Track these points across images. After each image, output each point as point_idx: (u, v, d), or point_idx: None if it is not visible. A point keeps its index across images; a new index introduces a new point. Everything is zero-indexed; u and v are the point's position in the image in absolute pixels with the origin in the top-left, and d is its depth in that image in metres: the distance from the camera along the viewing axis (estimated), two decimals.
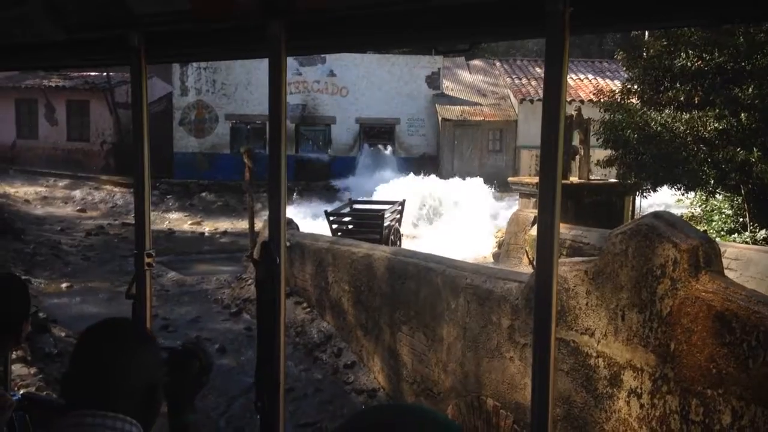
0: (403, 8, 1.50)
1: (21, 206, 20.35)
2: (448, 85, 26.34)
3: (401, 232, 15.55)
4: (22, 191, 22.23)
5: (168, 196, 22.13)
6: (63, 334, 8.91)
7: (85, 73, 26.02)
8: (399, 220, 15.57)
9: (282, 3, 1.68)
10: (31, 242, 15.58)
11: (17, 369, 6.15)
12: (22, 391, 2.17)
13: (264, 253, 1.86)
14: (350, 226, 14.45)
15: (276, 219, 1.89)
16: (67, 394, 1.48)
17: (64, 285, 12.69)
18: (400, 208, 15.72)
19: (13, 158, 25.69)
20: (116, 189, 22.87)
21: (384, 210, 15.12)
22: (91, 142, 26.31)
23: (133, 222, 2.19)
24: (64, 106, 26.58)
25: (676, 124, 10.45)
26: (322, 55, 24.78)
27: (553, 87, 1.42)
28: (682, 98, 10.85)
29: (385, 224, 14.43)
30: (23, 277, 10.40)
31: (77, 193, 22.61)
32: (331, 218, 14.35)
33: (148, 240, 2.15)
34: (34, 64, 2.54)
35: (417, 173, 23.41)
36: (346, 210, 15.75)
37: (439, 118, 24.97)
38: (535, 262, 8.69)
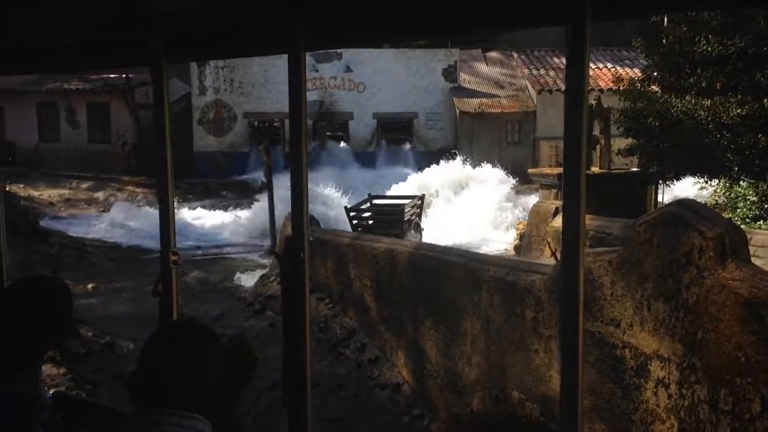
0: (418, 1, 1.50)
1: (45, 209, 20.61)
2: (465, 78, 26.21)
3: (422, 226, 15.53)
4: (46, 194, 22.51)
5: (189, 195, 22.29)
6: (90, 335, 9.01)
7: (104, 75, 26.24)
8: (419, 214, 15.55)
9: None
10: (56, 244, 15.78)
11: (47, 369, 6.24)
12: (52, 391, 2.20)
13: (288, 249, 1.87)
14: (370, 222, 14.46)
15: (299, 214, 1.89)
16: (137, 392, 1.51)
17: (89, 286, 12.84)
18: (419, 202, 15.69)
19: (36, 161, 25.99)
20: (138, 190, 23.08)
21: (404, 204, 15.11)
22: (112, 143, 26.56)
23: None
24: (85, 109, 26.84)
25: (698, 111, 10.32)
26: (338, 51, 24.80)
27: (576, 75, 1.40)
28: (703, 84, 10.70)
29: (405, 218, 14.42)
30: None
31: (100, 195, 22.85)
32: (351, 214, 14.36)
33: (172, 239, 2.16)
34: (54, 66, 2.56)
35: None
36: (366, 205, 15.75)
37: (457, 112, 24.87)
38: (558, 254, 8.67)
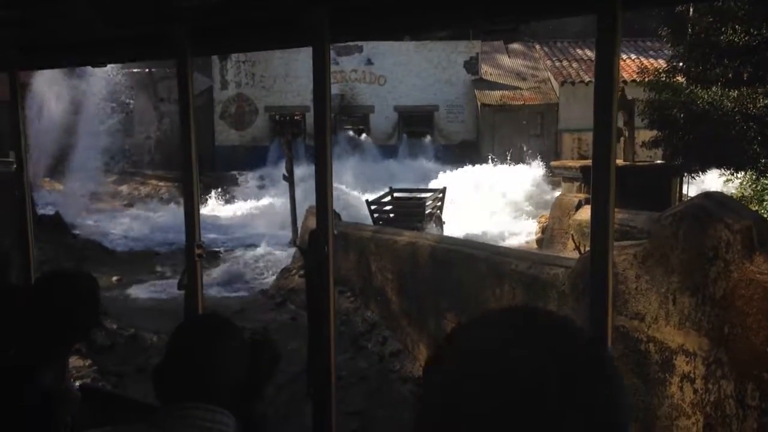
0: None
1: (69, 201, 20.85)
2: (486, 70, 26.05)
3: (443, 220, 15.49)
4: (69, 187, 22.77)
5: (211, 189, 22.44)
6: (114, 327, 9.12)
7: (128, 70, 26.44)
8: (440, 208, 15.50)
9: None
10: (80, 237, 15.97)
11: (73, 361, 6.32)
12: (78, 383, 2.22)
13: (312, 243, 1.87)
14: (391, 215, 14.43)
15: (323, 208, 1.89)
16: (163, 386, 1.52)
17: (114, 278, 12.99)
18: (441, 195, 15.64)
19: (62, 155, 26.24)
20: (161, 183, 23.26)
21: (425, 198, 15.06)
22: (135, 137, 26.77)
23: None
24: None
25: (724, 102, 10.15)
26: (359, 44, 24.76)
27: (606, 65, 1.37)
28: (730, 75, 10.53)
29: (427, 212, 14.37)
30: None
31: (124, 188, 23.08)
32: (372, 207, 14.34)
33: (197, 232, 2.17)
34: (84, 61, 2.58)
35: (457, 160, 23.28)
36: (387, 198, 15.72)
37: (479, 104, 24.74)
38: (582, 247, 8.58)
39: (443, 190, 15.84)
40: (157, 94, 25.58)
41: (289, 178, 15.01)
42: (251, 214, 19.73)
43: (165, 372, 1.53)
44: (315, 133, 1.88)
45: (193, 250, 2.16)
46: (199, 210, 2.18)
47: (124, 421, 1.99)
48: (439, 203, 15.47)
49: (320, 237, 1.89)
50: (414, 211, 14.24)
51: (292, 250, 13.19)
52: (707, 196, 4.88)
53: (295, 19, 1.80)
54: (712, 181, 15.24)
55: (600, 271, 1.44)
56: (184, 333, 1.59)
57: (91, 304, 1.98)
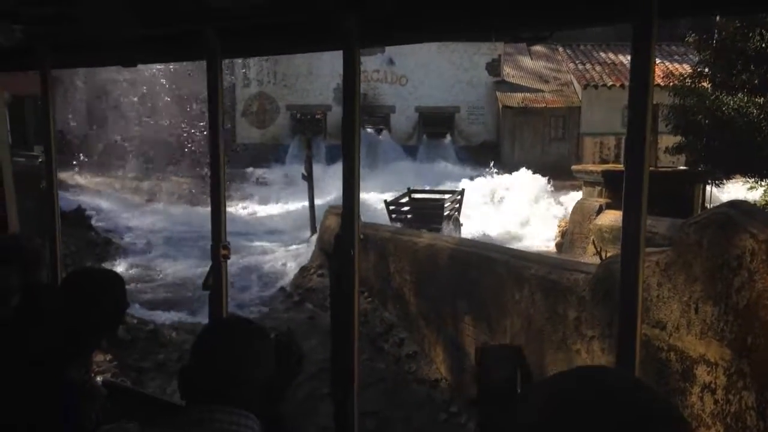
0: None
1: (92, 197, 21.08)
2: (509, 72, 25.95)
3: (461, 222, 15.45)
4: (93, 182, 23.02)
5: (230, 184, 22.57)
6: (135, 322, 9.20)
7: (153, 68, 26.65)
8: (458, 209, 15.46)
9: None
10: (102, 232, 16.13)
11: (93, 355, 6.39)
12: (100, 378, 2.24)
13: (338, 247, 1.87)
14: (409, 216, 14.41)
15: (349, 211, 1.89)
16: (188, 387, 1.53)
17: (132, 272, 13.11)
18: (459, 197, 15.60)
19: (87, 149, 26.54)
20: (182, 180, 23.43)
21: (443, 199, 15.04)
22: (159, 132, 26.96)
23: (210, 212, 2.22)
24: (137, 99, 27.31)
25: (750, 109, 10.03)
26: None
27: (641, 74, 1.37)
28: (756, 81, 10.40)
29: (445, 213, 14.34)
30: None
31: (146, 185, 23.27)
32: (391, 207, 14.34)
33: (223, 232, 2.18)
34: (118, 60, 2.61)
35: (477, 162, 23.22)
36: (405, 200, 15.70)
37: (500, 106, 24.65)
38: (603, 253, 8.51)
39: (461, 192, 15.80)
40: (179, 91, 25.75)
41: (308, 178, 15.05)
42: (269, 212, 19.80)
43: (191, 373, 1.54)
44: (343, 137, 1.89)
45: (219, 250, 2.17)
46: (225, 210, 2.19)
47: (148, 420, 2.01)
48: (457, 205, 15.42)
49: (346, 241, 1.89)
50: (432, 213, 14.22)
51: (311, 249, 13.23)
52: (732, 204, 4.83)
53: (326, 24, 1.81)
54: (737, 187, 15.09)
55: (630, 280, 1.43)
56: (211, 335, 1.60)
57: (118, 302, 2.00)
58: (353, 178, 1.86)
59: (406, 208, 14.89)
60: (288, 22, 1.93)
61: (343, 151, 1.88)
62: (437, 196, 15.75)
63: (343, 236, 1.92)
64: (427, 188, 17.20)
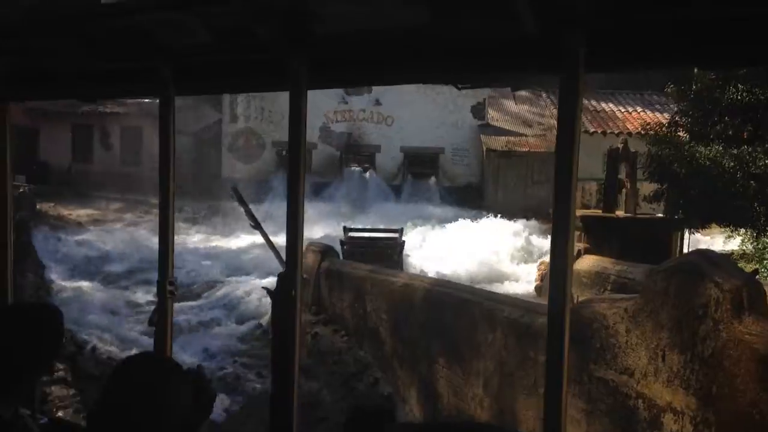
0: (414, 46, 1.50)
1: (71, 227, 20.89)
2: (493, 115, 26.28)
3: (400, 260, 15.48)
4: (75, 213, 22.87)
5: (214, 218, 22.47)
6: (105, 357, 9.06)
7: (139, 100, 26.78)
8: (395, 248, 15.57)
9: (303, 39, 1.70)
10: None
11: (56, 390, 6.25)
12: (43, 420, 2.18)
13: (279, 286, 1.86)
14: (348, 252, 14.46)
15: (293, 251, 1.89)
16: (96, 426, 1.48)
17: (106, 302, 12.94)
18: (397, 236, 15.74)
19: (69, 181, 26.46)
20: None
21: (378, 239, 15.29)
22: (143, 166, 26.96)
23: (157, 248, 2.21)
24: (119, 132, 27.39)
25: (725, 159, 10.20)
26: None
27: (568, 126, 1.39)
28: (730, 132, 10.60)
29: (380, 251, 14.48)
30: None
31: (129, 216, 23.15)
32: (345, 247, 14.46)
33: (170, 268, 2.17)
34: (71, 93, 2.62)
35: (461, 203, 23.36)
36: (343, 238, 15.66)
37: (484, 149, 24.91)
38: (573, 297, 8.52)
39: (400, 231, 15.89)
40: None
41: (258, 227, 15.14)
42: (249, 246, 19.65)
43: (101, 411, 1.49)
44: (288, 177, 1.89)
45: (165, 287, 2.15)
46: (173, 247, 2.18)
47: None
48: (391, 243, 15.50)
49: (288, 280, 1.89)
50: (367, 252, 14.39)
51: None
52: (699, 253, 4.88)
53: (274, 65, 1.84)
54: (714, 236, 15.21)
55: (557, 319, 1.44)
56: (124, 374, 1.54)
57: (53, 338, 1.97)
58: (297, 220, 1.87)
59: (346, 247, 14.90)
60: (239, 61, 1.96)
61: (288, 193, 1.88)
62: (373, 234, 15.89)
63: (285, 275, 1.92)
64: (362, 227, 17.17)
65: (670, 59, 1.43)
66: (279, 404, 1.88)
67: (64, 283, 14.35)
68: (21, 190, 18.11)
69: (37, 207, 20.81)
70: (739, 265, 9.47)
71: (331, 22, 1.56)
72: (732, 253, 12.56)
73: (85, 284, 14.55)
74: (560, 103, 1.38)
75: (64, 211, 22.77)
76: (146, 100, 26.66)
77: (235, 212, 23.52)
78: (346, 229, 15.54)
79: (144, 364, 1.59)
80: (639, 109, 24.04)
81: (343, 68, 1.84)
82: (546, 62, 1.38)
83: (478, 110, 25.80)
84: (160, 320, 2.15)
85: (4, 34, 2.09)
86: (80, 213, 23.03)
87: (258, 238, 18.21)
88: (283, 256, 1.93)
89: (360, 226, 17.08)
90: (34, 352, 1.91)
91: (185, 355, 10.39)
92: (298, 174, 1.88)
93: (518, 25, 1.29)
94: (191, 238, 19.92)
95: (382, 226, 17.78)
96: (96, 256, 17.42)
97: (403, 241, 15.68)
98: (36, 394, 2.33)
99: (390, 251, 14.63)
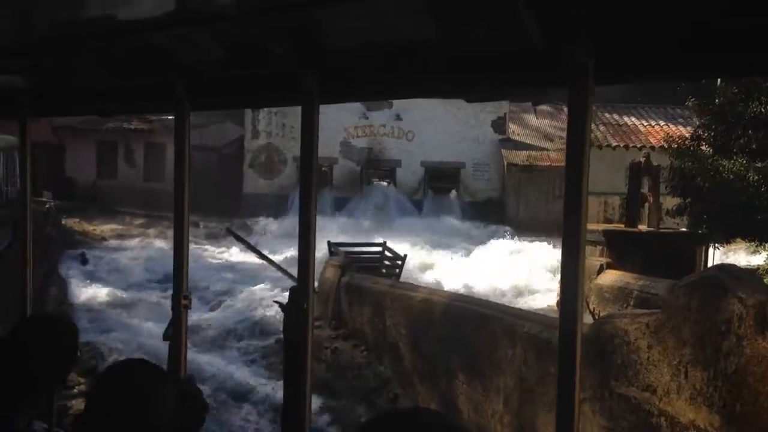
0: (423, 58, 1.51)
1: (95, 242, 21.15)
2: (514, 130, 26.22)
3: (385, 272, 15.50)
4: (99, 229, 23.14)
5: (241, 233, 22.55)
6: None
7: (163, 117, 27.13)
8: (381, 261, 15.53)
9: (314, 54, 1.71)
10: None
11: (77, 404, 6.29)
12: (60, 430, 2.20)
13: (291, 299, 1.86)
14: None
15: (305, 265, 1.89)
16: (80, 430, 1.48)
17: (122, 314, 13.05)
18: (381, 249, 15.68)
19: (94, 197, 26.82)
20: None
21: (381, 251, 15.24)
22: (166, 182, 27.24)
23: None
24: (143, 149, 27.77)
25: (749, 173, 10.06)
26: (389, 100, 25.16)
27: (577, 138, 1.38)
28: (754, 146, 10.46)
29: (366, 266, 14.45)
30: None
31: (151, 231, 23.35)
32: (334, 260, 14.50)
33: (185, 282, 2.18)
34: (88, 109, 2.67)
35: (482, 218, 23.27)
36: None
37: (505, 163, 24.84)
38: (594, 313, 8.37)
39: (383, 245, 15.79)
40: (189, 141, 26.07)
41: (255, 251, 16.01)
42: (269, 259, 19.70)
43: (86, 421, 1.47)
44: (300, 192, 1.90)
45: (180, 300, 2.16)
46: (188, 261, 2.19)
47: None
48: (378, 256, 15.47)
49: (300, 293, 1.89)
50: (373, 265, 14.44)
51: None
52: (721, 268, 4.81)
53: (288, 79, 1.85)
54: (739, 250, 14.96)
55: (569, 335, 1.43)
56: (107, 380, 1.53)
57: (68, 350, 1.99)
58: (309, 233, 1.87)
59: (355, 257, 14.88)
60: (251, 76, 1.98)
61: (300, 207, 1.89)
62: (358, 249, 15.85)
63: (298, 288, 1.92)
64: (348, 242, 17.09)
65: (683, 70, 1.42)
66: (291, 419, 1.87)
67: (86, 297, 14.51)
68: (47, 206, 18.40)
69: (63, 222, 21.10)
70: (765, 280, 9.30)
71: (340, 36, 1.57)
72: (758, 268, 12.34)
73: (107, 298, 14.68)
74: (569, 115, 1.38)
75: (89, 227, 23.07)
76: (170, 117, 27.07)
77: (255, 230, 23.68)
78: (330, 244, 15.18)
79: (128, 369, 1.58)
80: (662, 122, 23.84)
81: (353, 82, 1.85)
82: (554, 74, 1.38)
83: (499, 125, 25.76)
84: (175, 333, 2.16)
85: (25, 52, 2.13)
86: (104, 228, 23.29)
87: (274, 256, 18.50)
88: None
89: (347, 240, 16.89)
90: (48, 364, 1.92)
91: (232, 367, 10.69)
92: (310, 187, 1.88)
93: (525, 37, 1.28)
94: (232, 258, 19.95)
95: (405, 242, 17.70)
96: (119, 269, 17.58)
97: (405, 256, 15.52)
98: (54, 407, 2.33)
99: (387, 270, 14.55)
